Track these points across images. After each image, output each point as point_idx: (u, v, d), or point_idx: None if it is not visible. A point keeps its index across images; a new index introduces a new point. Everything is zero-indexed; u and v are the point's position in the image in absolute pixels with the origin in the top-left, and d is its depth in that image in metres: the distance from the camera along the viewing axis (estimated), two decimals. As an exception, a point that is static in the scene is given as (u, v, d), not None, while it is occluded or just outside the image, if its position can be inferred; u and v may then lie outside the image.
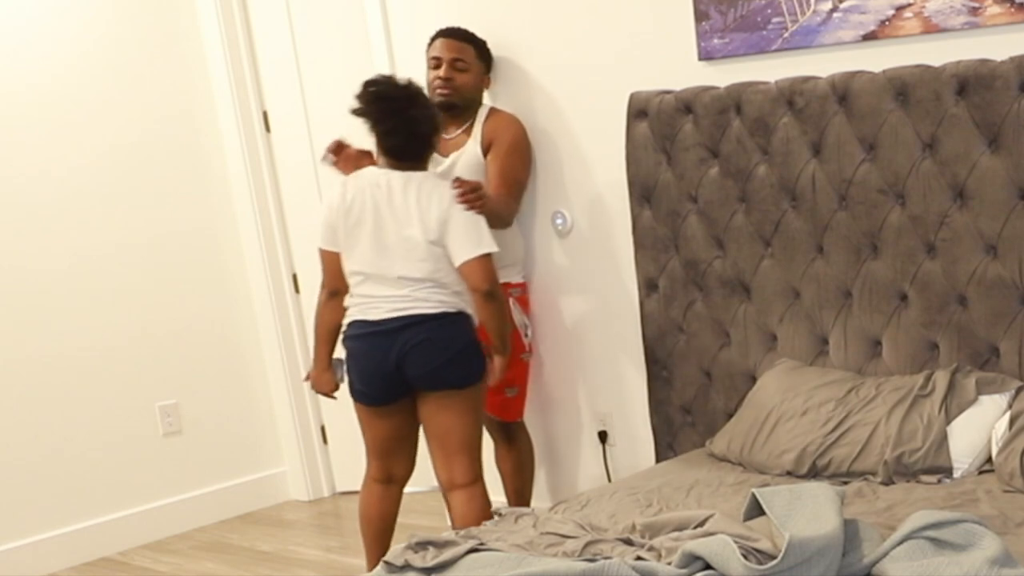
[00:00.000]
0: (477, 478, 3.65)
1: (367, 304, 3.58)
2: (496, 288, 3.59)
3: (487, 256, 3.56)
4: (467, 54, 4.03)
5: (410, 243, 3.52)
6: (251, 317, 5.22)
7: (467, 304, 3.60)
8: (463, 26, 4.09)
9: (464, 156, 3.99)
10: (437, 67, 4.01)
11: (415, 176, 3.57)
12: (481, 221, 3.57)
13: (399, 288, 3.53)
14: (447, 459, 3.64)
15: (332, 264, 3.66)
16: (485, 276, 3.56)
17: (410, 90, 3.58)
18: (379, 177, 3.58)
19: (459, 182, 3.61)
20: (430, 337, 3.53)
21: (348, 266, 3.61)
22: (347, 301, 3.65)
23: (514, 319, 3.99)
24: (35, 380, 4.66)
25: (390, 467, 3.75)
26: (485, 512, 3.59)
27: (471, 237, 3.54)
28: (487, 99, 4.18)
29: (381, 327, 3.55)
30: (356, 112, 3.55)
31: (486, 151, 4.00)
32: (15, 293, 4.62)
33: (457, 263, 3.53)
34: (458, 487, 3.65)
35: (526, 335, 4.06)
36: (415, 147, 3.59)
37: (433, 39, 4.07)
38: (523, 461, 4.22)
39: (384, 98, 3.54)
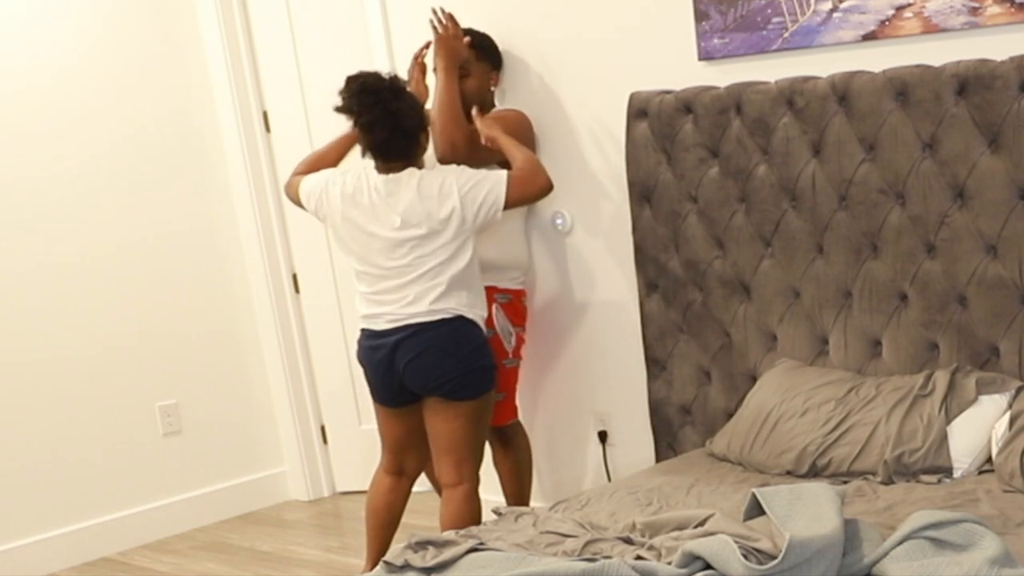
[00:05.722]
0: (460, 481, 3.66)
1: (371, 314, 3.59)
2: (547, 182, 3.59)
3: (512, 174, 3.52)
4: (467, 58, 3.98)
5: (406, 249, 3.51)
6: (251, 317, 5.22)
7: (467, 308, 3.58)
8: (463, 27, 4.07)
9: None
10: None
11: (402, 176, 3.53)
12: (483, 170, 3.57)
13: (397, 293, 3.53)
14: (436, 458, 3.70)
15: (295, 189, 3.74)
16: (533, 180, 3.54)
17: (394, 83, 3.53)
18: (374, 179, 3.56)
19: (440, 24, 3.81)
20: (428, 348, 3.52)
21: (352, 264, 3.63)
22: (356, 301, 3.67)
23: (495, 324, 3.96)
24: (35, 380, 4.66)
25: (402, 461, 3.80)
26: (463, 514, 3.63)
27: (489, 178, 3.51)
28: (499, 101, 4.15)
29: (384, 339, 3.57)
30: (339, 109, 3.52)
31: None
32: (15, 293, 4.62)
33: (503, 201, 3.51)
34: (443, 486, 3.71)
35: (509, 342, 4.03)
36: (401, 142, 3.52)
37: None
38: (520, 463, 4.21)
39: (367, 90, 3.49)
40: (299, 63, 5.00)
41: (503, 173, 3.54)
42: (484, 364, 3.61)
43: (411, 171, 3.55)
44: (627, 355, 4.09)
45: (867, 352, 3.43)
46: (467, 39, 3.92)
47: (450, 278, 3.52)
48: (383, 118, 3.48)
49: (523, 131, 4.02)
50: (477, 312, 3.62)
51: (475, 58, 3.99)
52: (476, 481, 3.71)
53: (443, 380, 3.54)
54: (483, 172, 3.56)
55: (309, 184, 3.69)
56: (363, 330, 3.65)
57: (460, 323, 3.56)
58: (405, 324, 3.53)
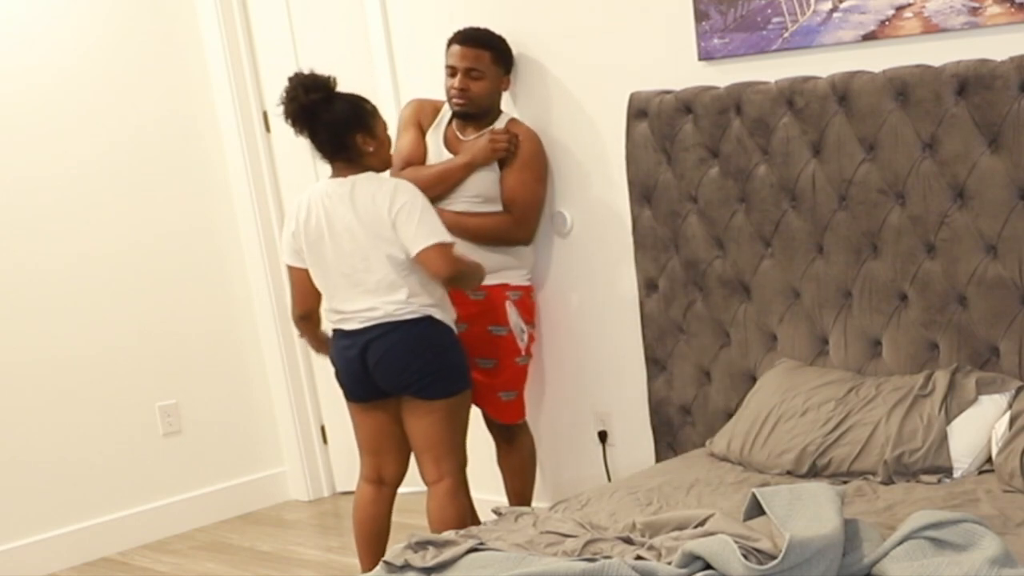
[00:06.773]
0: (441, 477, 3.67)
1: (343, 317, 3.60)
2: (457, 272, 3.53)
3: (442, 245, 3.49)
4: (482, 61, 3.94)
5: (365, 250, 3.50)
6: (251, 317, 5.22)
7: (436, 308, 3.58)
8: (462, 27, 4.06)
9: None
10: (452, 75, 3.94)
11: (359, 179, 3.53)
12: (432, 212, 3.52)
13: (366, 298, 3.54)
14: (416, 456, 3.72)
15: (301, 282, 3.66)
16: (443, 264, 3.48)
17: (314, 79, 3.51)
18: (330, 186, 3.56)
19: (493, 134, 3.85)
20: (397, 348, 3.53)
21: (317, 280, 3.61)
22: (324, 314, 3.67)
23: (509, 321, 3.97)
24: (35, 380, 4.66)
25: (381, 466, 3.77)
26: (448, 509, 3.65)
27: (423, 227, 3.47)
28: (506, 106, 4.13)
29: (355, 339, 3.58)
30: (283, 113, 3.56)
31: (501, 163, 3.97)
32: (15, 293, 4.62)
33: (412, 254, 3.48)
34: (426, 483, 3.73)
35: (521, 340, 4.03)
36: (330, 137, 3.50)
37: (450, 43, 3.98)
38: (524, 462, 4.21)
39: (287, 90, 3.52)
40: (299, 63, 4.97)
41: (442, 234, 3.49)
42: (454, 364, 3.62)
43: (368, 176, 3.54)
44: (627, 355, 4.08)
45: (867, 352, 3.43)
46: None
47: (414, 280, 3.52)
48: (297, 113, 3.50)
49: (538, 162, 4.05)
50: (446, 314, 3.62)
51: (491, 61, 3.97)
52: (458, 477, 3.71)
53: (413, 379, 3.55)
54: (431, 215, 3.51)
55: (284, 248, 3.71)
56: (335, 330, 3.67)
57: (429, 323, 3.57)
58: (375, 324, 3.54)
